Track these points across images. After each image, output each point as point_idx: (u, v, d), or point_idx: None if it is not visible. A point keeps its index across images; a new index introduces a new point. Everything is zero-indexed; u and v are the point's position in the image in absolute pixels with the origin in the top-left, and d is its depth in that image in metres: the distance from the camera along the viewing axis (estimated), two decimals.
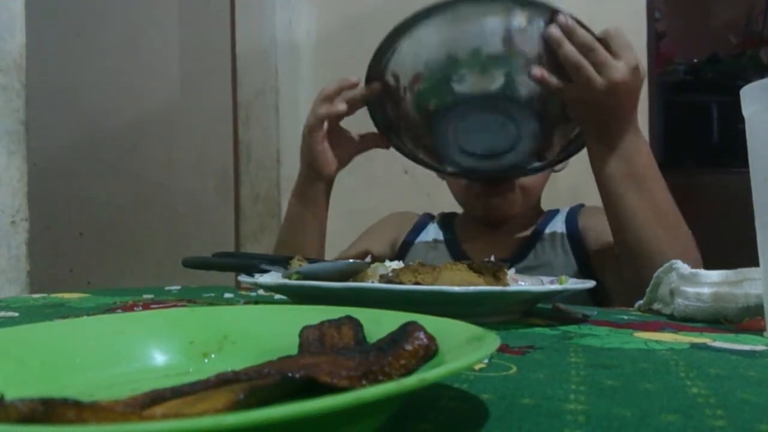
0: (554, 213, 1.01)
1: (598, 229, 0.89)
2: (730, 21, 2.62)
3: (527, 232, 0.98)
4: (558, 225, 0.97)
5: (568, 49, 0.70)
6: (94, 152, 1.98)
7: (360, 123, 0.88)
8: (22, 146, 1.12)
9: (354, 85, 0.83)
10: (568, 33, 0.70)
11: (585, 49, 0.70)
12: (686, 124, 2.36)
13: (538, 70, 0.71)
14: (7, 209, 1.09)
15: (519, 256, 0.94)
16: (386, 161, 1.65)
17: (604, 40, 0.71)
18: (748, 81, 0.44)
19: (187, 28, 1.91)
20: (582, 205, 1.02)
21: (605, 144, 0.75)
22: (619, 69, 0.70)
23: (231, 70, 1.79)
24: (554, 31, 0.70)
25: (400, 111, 0.81)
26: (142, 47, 1.94)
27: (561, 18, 0.70)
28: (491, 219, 0.99)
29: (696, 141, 2.36)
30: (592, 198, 0.84)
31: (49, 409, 0.16)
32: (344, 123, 0.88)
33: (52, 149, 1.94)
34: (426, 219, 1.10)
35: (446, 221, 1.07)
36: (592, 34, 0.70)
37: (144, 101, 1.93)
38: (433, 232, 1.05)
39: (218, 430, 0.14)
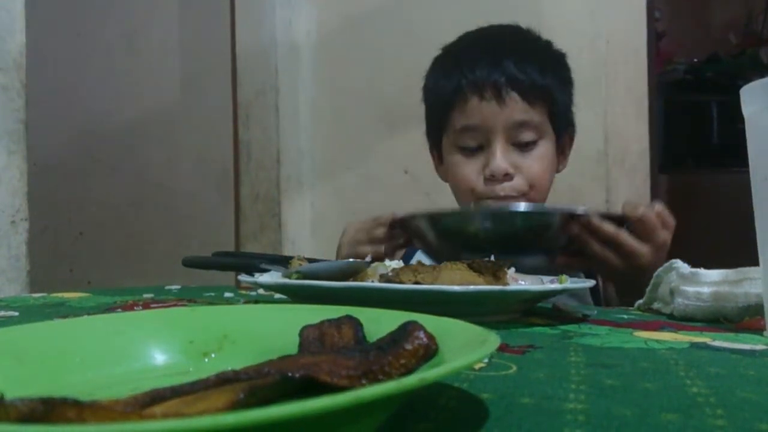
0: None
1: None
2: (730, 21, 2.62)
3: None
4: None
5: (594, 247, 0.70)
6: (94, 152, 1.97)
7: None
8: (22, 146, 1.12)
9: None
10: (592, 232, 0.69)
11: (611, 244, 0.70)
12: (686, 124, 2.36)
13: (562, 260, 0.72)
14: (7, 209, 1.09)
15: None
16: (386, 161, 1.65)
17: (632, 221, 0.70)
18: (748, 81, 0.44)
19: (187, 28, 1.90)
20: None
21: (624, 286, 0.77)
22: (644, 255, 0.70)
23: (231, 70, 1.78)
24: (578, 230, 0.69)
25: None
26: (142, 47, 1.94)
27: (585, 220, 0.69)
28: None
29: (696, 141, 2.36)
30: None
31: (48, 408, 0.16)
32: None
33: (52, 149, 1.93)
34: None
35: None
36: (617, 219, 0.70)
37: (144, 101, 1.93)
38: None
39: (218, 430, 0.14)
